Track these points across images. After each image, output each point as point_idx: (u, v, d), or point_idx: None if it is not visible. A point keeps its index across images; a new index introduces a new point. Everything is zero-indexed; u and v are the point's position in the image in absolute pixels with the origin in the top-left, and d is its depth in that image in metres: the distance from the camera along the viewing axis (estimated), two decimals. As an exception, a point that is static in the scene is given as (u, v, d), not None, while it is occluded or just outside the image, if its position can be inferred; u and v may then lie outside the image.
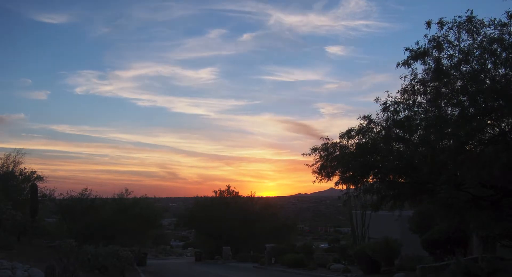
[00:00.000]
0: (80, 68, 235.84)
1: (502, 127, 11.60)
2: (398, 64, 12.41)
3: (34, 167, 31.76)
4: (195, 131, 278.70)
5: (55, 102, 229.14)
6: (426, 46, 11.96)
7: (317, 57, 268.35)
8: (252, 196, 43.14)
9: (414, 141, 12.75)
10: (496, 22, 11.27)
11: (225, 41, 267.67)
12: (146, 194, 38.55)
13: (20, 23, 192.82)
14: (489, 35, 11.34)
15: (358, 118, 13.93)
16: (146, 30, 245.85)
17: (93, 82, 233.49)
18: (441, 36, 11.85)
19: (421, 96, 12.54)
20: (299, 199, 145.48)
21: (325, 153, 14.57)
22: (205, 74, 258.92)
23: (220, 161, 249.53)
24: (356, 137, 13.92)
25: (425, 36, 11.94)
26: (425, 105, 12.47)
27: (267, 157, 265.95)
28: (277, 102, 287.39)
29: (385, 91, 13.09)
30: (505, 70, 11.27)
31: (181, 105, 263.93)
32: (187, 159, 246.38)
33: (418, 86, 12.44)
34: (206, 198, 42.88)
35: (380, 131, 13.48)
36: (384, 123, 13.36)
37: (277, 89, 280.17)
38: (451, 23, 11.66)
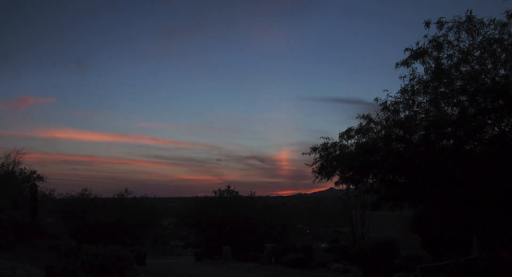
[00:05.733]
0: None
1: (502, 127, 11.59)
2: (397, 64, 12.42)
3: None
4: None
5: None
6: (425, 46, 11.97)
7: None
8: (252, 195, 43.12)
9: (414, 141, 12.73)
10: (496, 22, 11.29)
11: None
12: (146, 194, 38.63)
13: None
14: (489, 35, 11.35)
15: (357, 117, 13.88)
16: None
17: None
18: (441, 36, 11.86)
19: (421, 96, 12.53)
20: (299, 199, 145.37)
21: (325, 152, 14.53)
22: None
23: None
24: (356, 137, 13.88)
25: (425, 36, 11.95)
26: (425, 105, 12.46)
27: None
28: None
29: (385, 90, 13.08)
30: (505, 70, 11.27)
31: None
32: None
33: (418, 86, 12.43)
34: (206, 198, 42.85)
35: (380, 131, 13.44)
36: (384, 123, 13.33)
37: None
38: (451, 23, 11.67)
